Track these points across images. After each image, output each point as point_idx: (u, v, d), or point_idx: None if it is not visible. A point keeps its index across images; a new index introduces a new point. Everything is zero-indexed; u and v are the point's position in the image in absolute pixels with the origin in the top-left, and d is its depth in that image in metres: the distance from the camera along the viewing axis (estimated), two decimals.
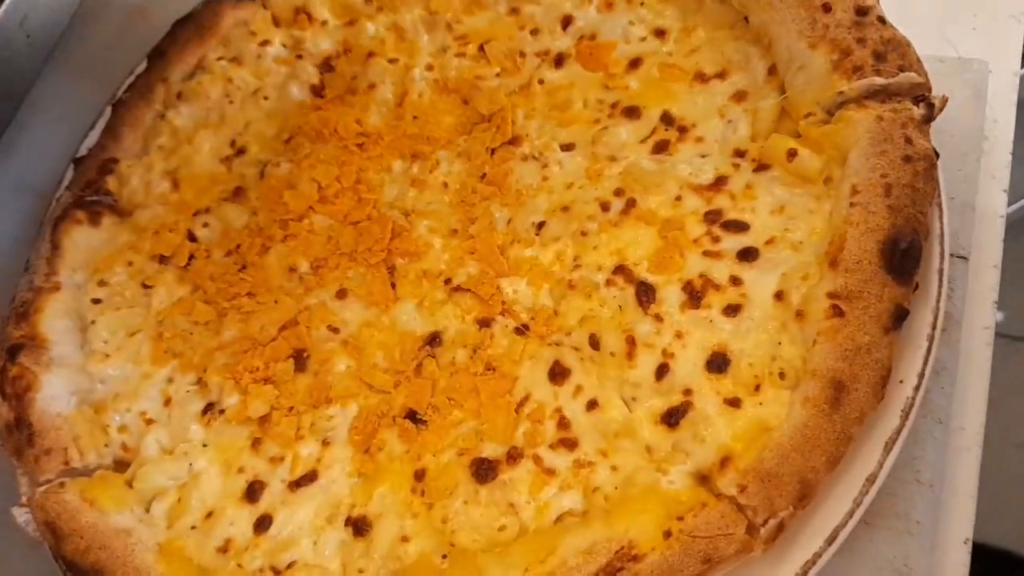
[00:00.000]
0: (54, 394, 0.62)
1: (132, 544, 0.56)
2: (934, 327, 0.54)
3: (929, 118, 0.57)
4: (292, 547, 0.55)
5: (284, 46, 0.77)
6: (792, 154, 0.58)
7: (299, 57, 0.75)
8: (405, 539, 0.54)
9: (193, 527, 0.57)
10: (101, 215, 0.71)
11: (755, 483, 0.49)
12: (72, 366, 0.64)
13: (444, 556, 0.53)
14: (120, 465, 0.62)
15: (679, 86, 0.65)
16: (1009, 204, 0.67)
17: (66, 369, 0.63)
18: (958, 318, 0.59)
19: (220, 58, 0.77)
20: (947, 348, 0.58)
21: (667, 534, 0.48)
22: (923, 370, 0.53)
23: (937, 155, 0.57)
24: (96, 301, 0.67)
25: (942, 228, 0.56)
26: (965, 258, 0.61)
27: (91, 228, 0.70)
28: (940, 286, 0.55)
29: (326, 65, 0.75)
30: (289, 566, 0.54)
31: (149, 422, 0.62)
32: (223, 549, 0.56)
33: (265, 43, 0.77)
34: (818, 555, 0.50)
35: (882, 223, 0.53)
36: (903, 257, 0.52)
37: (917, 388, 0.52)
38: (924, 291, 0.55)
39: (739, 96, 0.63)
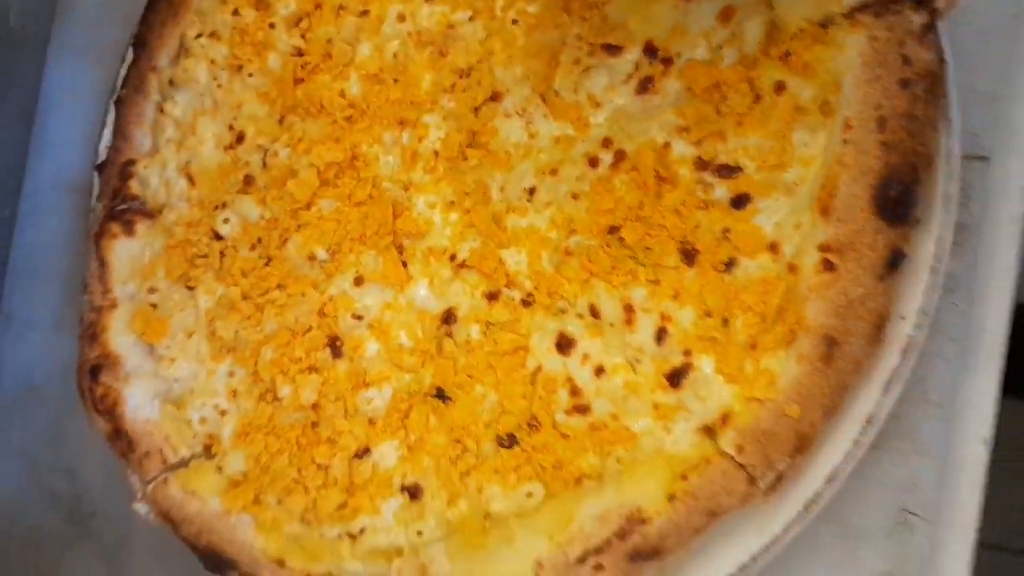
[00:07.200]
0: (138, 403, 0.70)
1: (232, 524, 0.67)
2: (938, 259, 0.52)
3: (931, 25, 0.51)
4: (360, 515, 0.64)
5: (256, 9, 0.75)
6: (780, 88, 0.54)
7: (271, 26, 0.73)
8: (451, 502, 0.61)
9: (279, 502, 0.67)
10: (134, 224, 0.75)
11: (752, 443, 0.52)
12: (147, 374, 0.72)
13: (486, 516, 0.60)
14: (208, 450, 0.72)
15: (660, 8, 0.60)
16: None
17: (142, 379, 0.71)
18: (975, 227, 0.56)
19: (199, 35, 0.76)
20: (961, 263, 0.56)
21: (671, 498, 0.53)
22: (924, 307, 0.52)
23: (944, 61, 0.52)
24: (153, 307, 0.74)
25: (948, 148, 0.53)
26: (986, 158, 0.57)
27: (128, 239, 0.75)
28: (947, 211, 0.53)
29: (299, 29, 0.73)
30: (360, 531, 0.64)
31: (223, 413, 0.71)
32: (305, 520, 0.66)
33: (236, 12, 0.75)
34: (819, 494, 0.53)
35: (875, 164, 0.51)
36: (897, 201, 0.50)
37: (919, 326, 0.52)
38: (927, 219, 0.53)
39: (726, 14, 0.58)
